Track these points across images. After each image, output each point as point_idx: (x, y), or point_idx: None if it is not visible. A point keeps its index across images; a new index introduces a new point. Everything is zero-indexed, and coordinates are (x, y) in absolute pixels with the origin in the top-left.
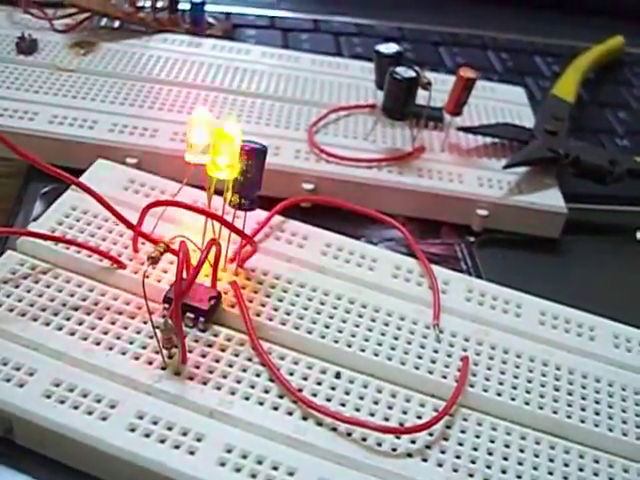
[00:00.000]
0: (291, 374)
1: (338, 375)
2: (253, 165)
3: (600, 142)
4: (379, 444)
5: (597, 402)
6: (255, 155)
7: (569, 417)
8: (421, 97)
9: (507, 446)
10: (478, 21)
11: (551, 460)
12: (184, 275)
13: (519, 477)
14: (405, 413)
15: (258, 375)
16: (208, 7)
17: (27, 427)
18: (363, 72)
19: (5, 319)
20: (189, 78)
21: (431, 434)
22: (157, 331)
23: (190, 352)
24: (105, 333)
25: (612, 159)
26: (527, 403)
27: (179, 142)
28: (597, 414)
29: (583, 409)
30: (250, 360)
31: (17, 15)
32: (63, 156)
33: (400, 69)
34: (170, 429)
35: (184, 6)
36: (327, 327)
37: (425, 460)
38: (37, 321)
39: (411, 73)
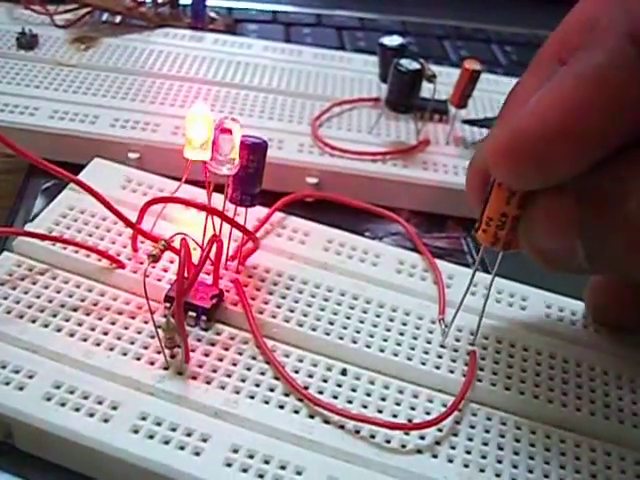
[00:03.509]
0: (296, 372)
1: (344, 372)
2: (254, 160)
3: None
4: (388, 441)
5: (606, 394)
6: (256, 150)
7: (578, 410)
8: (426, 90)
9: (517, 440)
10: (482, 14)
11: (562, 454)
12: (185, 273)
13: (530, 471)
14: (413, 409)
15: (263, 373)
16: (210, 1)
17: (27, 431)
18: (366, 65)
19: (3, 321)
20: (191, 73)
21: (440, 430)
22: (159, 331)
23: (193, 351)
24: (105, 334)
25: None
26: (536, 397)
27: (181, 136)
28: (607, 406)
29: (592, 401)
30: (254, 358)
31: (18, 10)
32: (64, 151)
33: (404, 61)
34: (174, 430)
35: (185, 1)
36: (331, 324)
37: (435, 456)
38: (36, 323)
39: (416, 65)
